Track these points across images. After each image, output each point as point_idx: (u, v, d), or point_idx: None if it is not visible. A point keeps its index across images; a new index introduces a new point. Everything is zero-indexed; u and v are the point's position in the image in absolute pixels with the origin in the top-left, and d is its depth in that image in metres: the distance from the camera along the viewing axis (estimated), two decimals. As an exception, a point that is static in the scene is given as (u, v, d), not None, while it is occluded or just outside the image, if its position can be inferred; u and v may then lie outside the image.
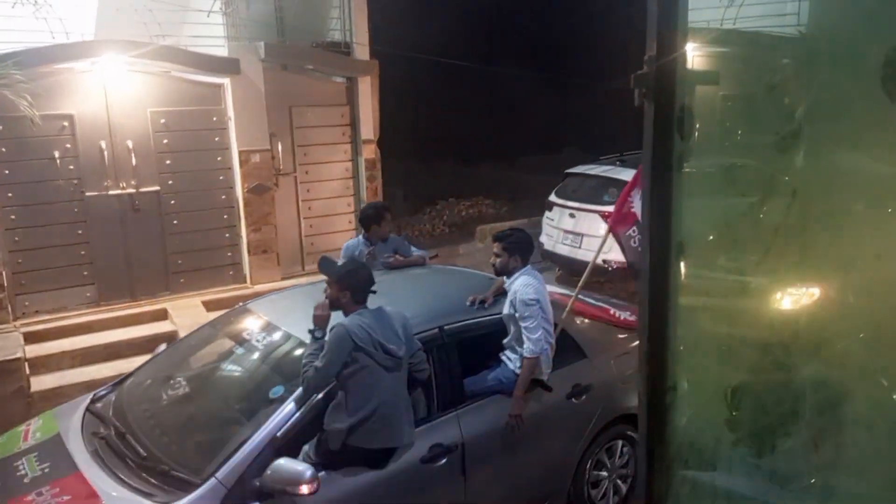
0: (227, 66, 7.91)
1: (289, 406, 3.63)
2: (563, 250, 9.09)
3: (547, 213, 9.63)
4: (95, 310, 7.53)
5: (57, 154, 7.27)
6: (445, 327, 4.22)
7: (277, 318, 4.46)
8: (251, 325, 4.49)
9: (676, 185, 1.88)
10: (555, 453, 4.46)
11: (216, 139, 8.17)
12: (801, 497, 1.97)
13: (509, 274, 4.48)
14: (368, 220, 5.74)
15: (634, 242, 4.76)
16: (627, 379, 4.74)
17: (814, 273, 1.79)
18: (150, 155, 7.75)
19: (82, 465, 3.67)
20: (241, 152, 8.16)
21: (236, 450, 3.46)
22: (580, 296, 5.34)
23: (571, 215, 9.05)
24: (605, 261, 8.39)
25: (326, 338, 3.69)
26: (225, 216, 8.33)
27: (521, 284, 4.32)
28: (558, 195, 9.50)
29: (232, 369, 4.48)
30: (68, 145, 7.34)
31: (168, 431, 3.97)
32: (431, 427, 3.95)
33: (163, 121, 7.78)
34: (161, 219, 7.90)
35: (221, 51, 8.04)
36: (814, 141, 1.77)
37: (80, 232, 7.49)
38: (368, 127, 9.30)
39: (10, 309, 7.08)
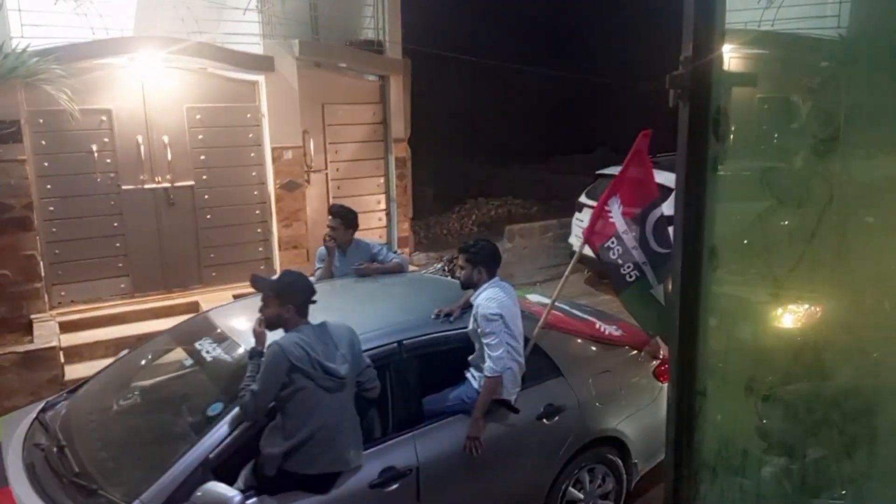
0: (262, 63, 8.00)
1: (223, 427, 3.37)
2: (592, 252, 9.02)
3: (577, 215, 9.58)
4: (129, 301, 7.66)
5: (95, 148, 7.41)
6: (405, 342, 3.93)
7: (233, 328, 4.19)
8: (206, 335, 4.19)
9: (710, 188, 1.86)
10: (522, 478, 4.15)
11: (250, 136, 8.26)
12: (831, 508, 1.94)
13: (475, 287, 4.23)
14: None
15: (613, 254, 4.48)
16: (606, 399, 4.48)
17: (849, 280, 1.76)
18: (186, 150, 7.87)
19: (13, 480, 3.44)
20: (273, 149, 8.25)
21: (164, 471, 3.23)
22: (567, 308, 5.09)
23: (601, 217, 8.99)
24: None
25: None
26: (257, 211, 8.42)
27: (485, 298, 4.07)
28: (589, 196, 9.44)
29: (178, 382, 4.26)
30: (106, 139, 7.47)
31: (105, 446, 3.74)
32: (384, 449, 3.67)
33: (198, 117, 7.89)
34: (195, 213, 8.01)
35: (256, 48, 8.13)
36: (852, 145, 1.74)
37: (115, 224, 7.62)
38: (399, 125, 9.34)
39: (46, 298, 7.23)
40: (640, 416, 4.59)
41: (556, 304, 4.83)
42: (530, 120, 16.77)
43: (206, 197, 8.06)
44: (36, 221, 7.07)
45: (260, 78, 8.10)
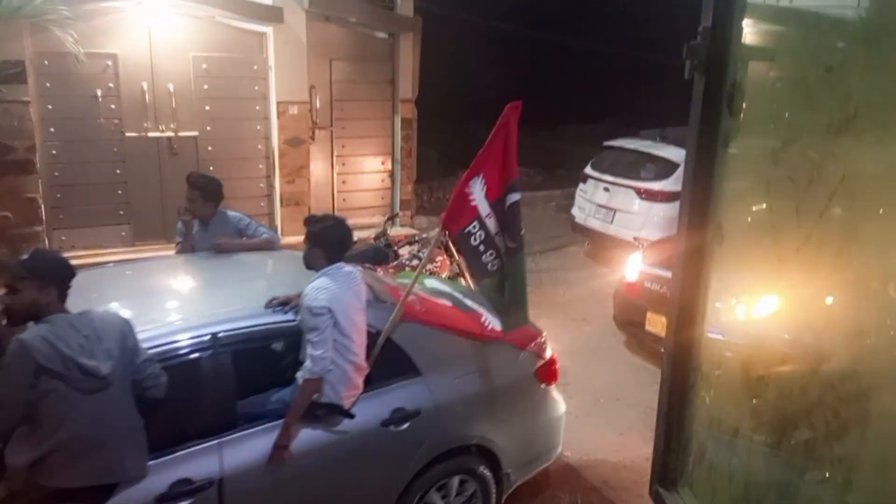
0: (271, 14, 7.88)
1: None
2: (594, 224, 9.02)
3: (581, 186, 9.53)
4: (129, 249, 7.65)
5: (99, 93, 7.34)
6: (220, 335, 3.33)
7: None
8: None
9: (720, 164, 1.84)
10: (358, 493, 3.64)
11: (256, 88, 8.18)
12: (818, 488, 1.95)
13: (316, 270, 3.60)
14: None
15: (475, 241, 3.84)
16: (474, 402, 3.95)
17: (854, 263, 1.75)
18: (191, 100, 7.80)
19: None
20: (279, 103, 8.18)
21: None
22: (459, 297, 4.49)
23: (606, 189, 8.95)
24: (635, 238, 8.34)
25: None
26: (260, 166, 8.38)
27: (313, 288, 3.44)
28: (594, 168, 9.38)
29: None
30: (111, 84, 7.39)
31: None
32: (180, 458, 3.15)
33: (204, 66, 7.80)
34: (197, 164, 7.94)
35: (266, -1, 8.02)
36: (868, 127, 1.71)
37: (118, 172, 7.59)
38: (407, 85, 9.23)
39: (47, 242, 7.24)
40: (515, 422, 4.15)
41: (450, 292, 4.42)
42: (539, 87, 16.59)
43: (210, 149, 8.01)
44: (38, 164, 7.03)
45: (268, 29, 7.99)
